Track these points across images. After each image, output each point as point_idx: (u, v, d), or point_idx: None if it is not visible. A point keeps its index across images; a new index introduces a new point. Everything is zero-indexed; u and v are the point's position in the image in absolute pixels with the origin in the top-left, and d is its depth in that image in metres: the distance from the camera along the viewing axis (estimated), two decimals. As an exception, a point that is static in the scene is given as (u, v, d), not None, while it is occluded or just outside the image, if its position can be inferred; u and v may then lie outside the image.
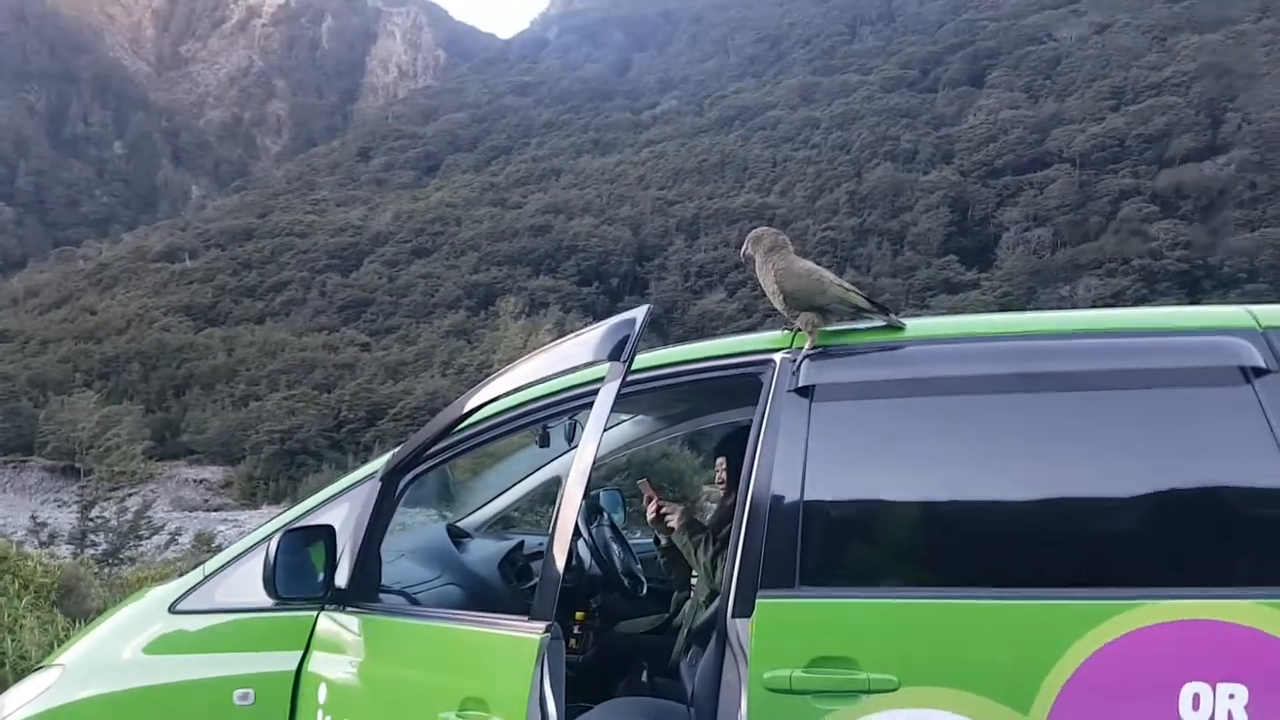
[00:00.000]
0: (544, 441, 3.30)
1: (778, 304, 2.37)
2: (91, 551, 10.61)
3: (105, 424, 15.72)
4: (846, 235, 75.26)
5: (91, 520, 11.41)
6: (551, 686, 2.01)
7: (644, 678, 3.18)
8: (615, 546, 3.52)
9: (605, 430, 3.82)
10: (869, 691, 1.95)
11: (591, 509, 3.61)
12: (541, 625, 2.06)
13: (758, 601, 2.08)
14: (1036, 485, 2.10)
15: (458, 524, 3.70)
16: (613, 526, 3.64)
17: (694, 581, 3.40)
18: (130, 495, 13.02)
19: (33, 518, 11.68)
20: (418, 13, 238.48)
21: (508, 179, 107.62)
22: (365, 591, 2.54)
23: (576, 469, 2.13)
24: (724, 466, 3.31)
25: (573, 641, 3.29)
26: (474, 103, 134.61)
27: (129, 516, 11.55)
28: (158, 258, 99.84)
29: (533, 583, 3.33)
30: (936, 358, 2.25)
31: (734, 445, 3.20)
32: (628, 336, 2.16)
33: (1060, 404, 2.13)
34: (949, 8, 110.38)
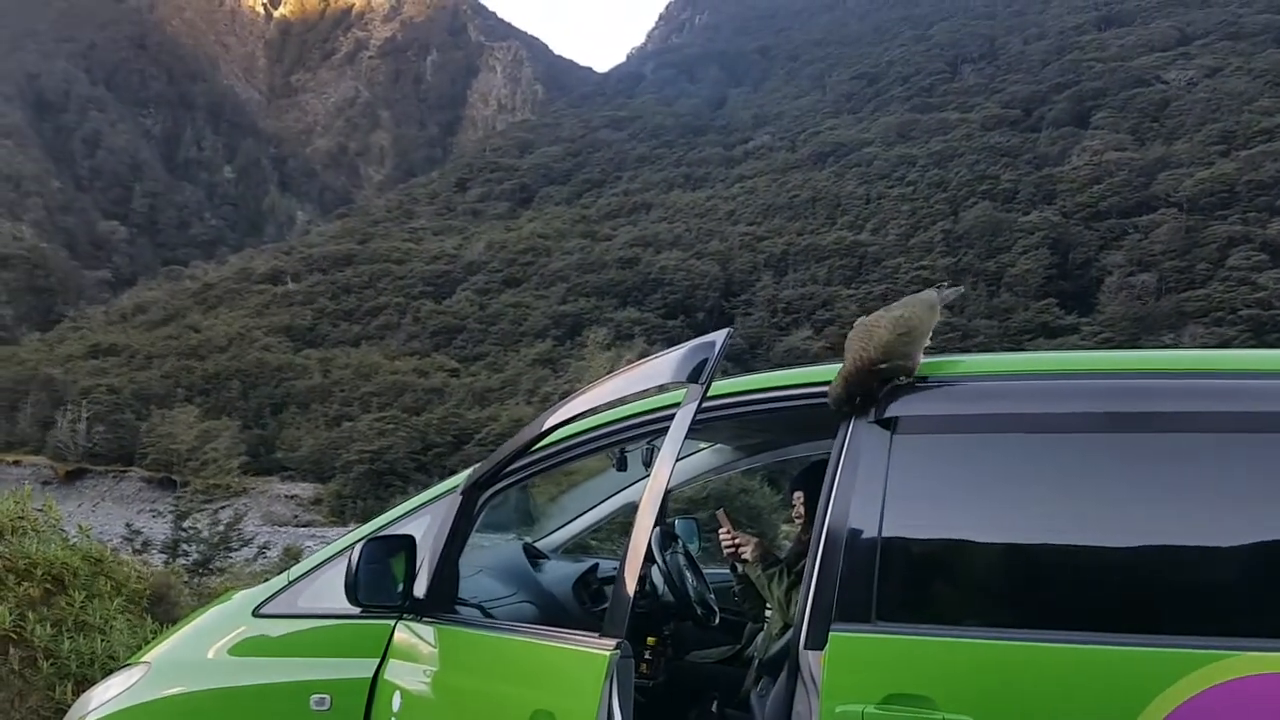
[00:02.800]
0: (621, 465, 3.31)
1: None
2: (183, 561, 10.92)
3: (204, 438, 16.30)
4: (940, 275, 73.90)
5: (184, 530, 11.74)
6: (620, 703, 2.01)
7: (714, 708, 3.15)
8: (689, 575, 3.50)
9: (683, 458, 3.84)
10: None
11: (667, 537, 3.60)
12: (612, 642, 2.06)
13: (831, 634, 2.03)
14: (1127, 529, 2.02)
15: (534, 544, 3.73)
16: (687, 555, 3.62)
17: (768, 614, 3.36)
18: (223, 508, 13.42)
19: (128, 525, 12.08)
20: (519, 47, 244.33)
21: (599, 212, 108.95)
22: (442, 602, 2.57)
23: (651, 490, 2.14)
24: (801, 500, 3.28)
25: (644, 667, 3.28)
26: (569, 136, 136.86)
27: (220, 528, 11.87)
28: (261, 279, 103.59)
29: (605, 605, 3.33)
30: (1025, 394, 2.19)
31: (811, 479, 3.17)
32: (707, 359, 2.16)
33: (1155, 445, 2.05)
34: (1054, 47, 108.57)
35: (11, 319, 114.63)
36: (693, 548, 3.91)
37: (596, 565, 3.60)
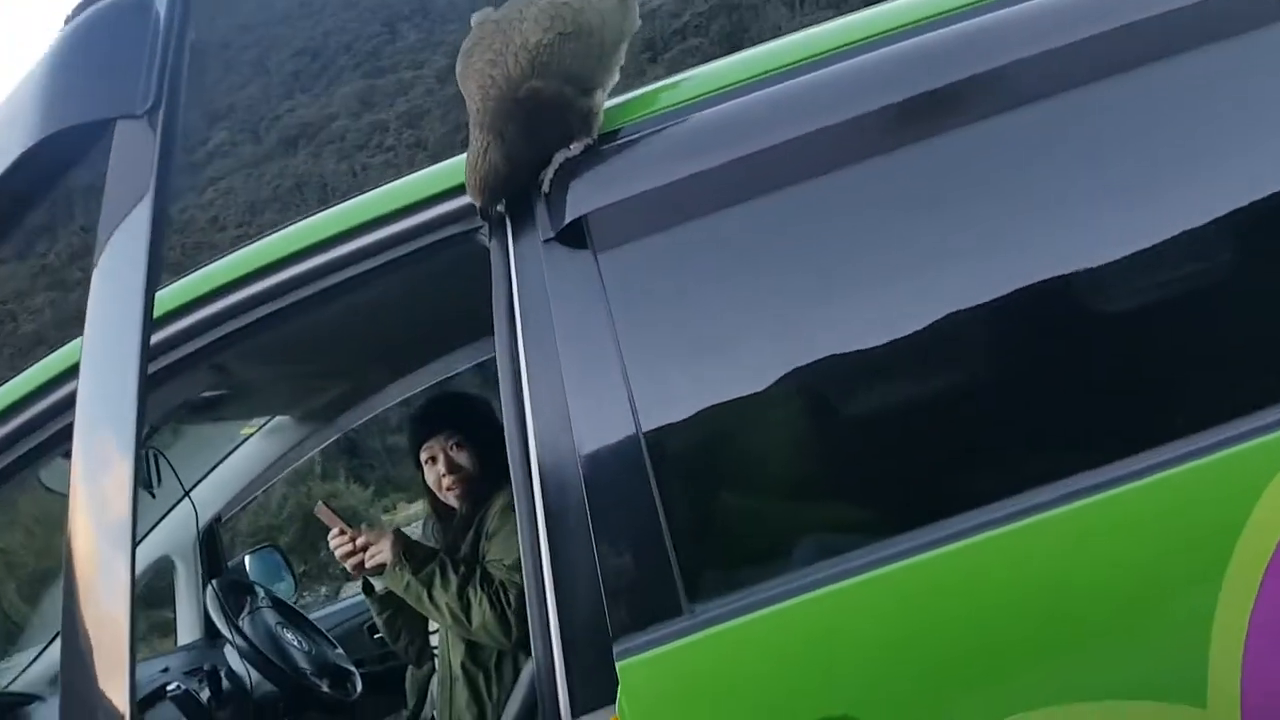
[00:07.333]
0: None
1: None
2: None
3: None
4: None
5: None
6: None
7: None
8: (289, 634, 2.19)
9: (222, 461, 2.37)
10: None
11: (235, 590, 2.22)
12: None
13: (619, 665, 0.98)
14: (1075, 288, 1.08)
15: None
16: (277, 605, 2.28)
17: (434, 643, 2.11)
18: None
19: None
20: None
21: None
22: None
23: (109, 511, 0.89)
24: (448, 446, 2.00)
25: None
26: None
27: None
28: None
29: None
30: (801, 103, 1.13)
31: (464, 410, 2.02)
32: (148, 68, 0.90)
33: (1066, 112, 1.10)
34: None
35: None
36: (283, 589, 2.56)
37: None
